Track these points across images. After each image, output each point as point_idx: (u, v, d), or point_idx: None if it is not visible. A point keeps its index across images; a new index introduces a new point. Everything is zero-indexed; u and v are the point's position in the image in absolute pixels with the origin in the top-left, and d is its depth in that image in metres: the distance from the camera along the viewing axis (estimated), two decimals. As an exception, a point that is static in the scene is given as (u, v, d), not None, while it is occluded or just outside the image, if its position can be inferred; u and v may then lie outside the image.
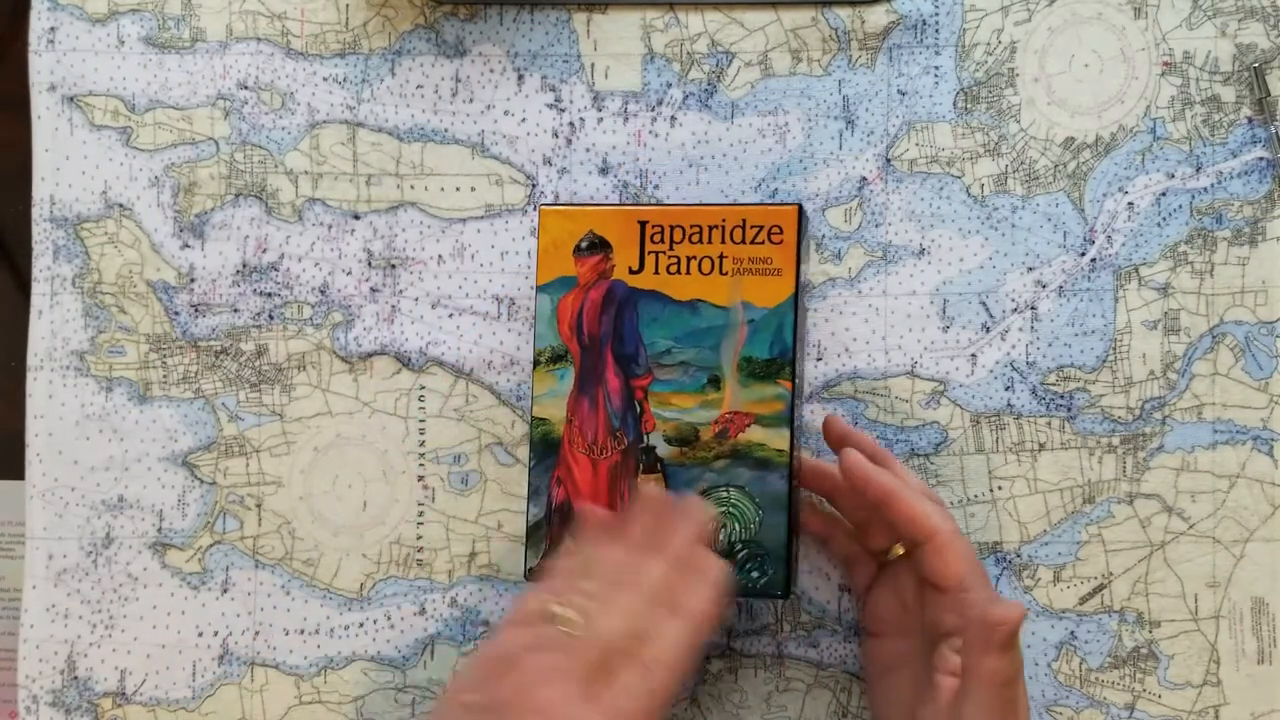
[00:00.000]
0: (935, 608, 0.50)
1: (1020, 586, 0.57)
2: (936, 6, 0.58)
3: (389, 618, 0.58)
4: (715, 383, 0.51)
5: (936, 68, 0.58)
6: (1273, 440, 0.57)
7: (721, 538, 0.50)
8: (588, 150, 0.58)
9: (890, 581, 0.53)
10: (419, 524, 0.58)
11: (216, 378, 0.58)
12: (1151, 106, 0.57)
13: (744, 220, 0.51)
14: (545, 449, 0.52)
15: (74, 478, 0.58)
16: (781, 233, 0.51)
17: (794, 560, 0.51)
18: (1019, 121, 0.58)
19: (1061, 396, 0.57)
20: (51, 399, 0.58)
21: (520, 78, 0.58)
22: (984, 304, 0.57)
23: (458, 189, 0.58)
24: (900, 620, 0.52)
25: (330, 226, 0.58)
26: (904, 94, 0.58)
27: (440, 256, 0.58)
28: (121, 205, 0.58)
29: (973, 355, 0.57)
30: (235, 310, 0.58)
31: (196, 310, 0.58)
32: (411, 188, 0.58)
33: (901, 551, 0.52)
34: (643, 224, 0.52)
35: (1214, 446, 0.57)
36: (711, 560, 0.48)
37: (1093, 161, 0.57)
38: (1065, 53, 0.58)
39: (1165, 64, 0.58)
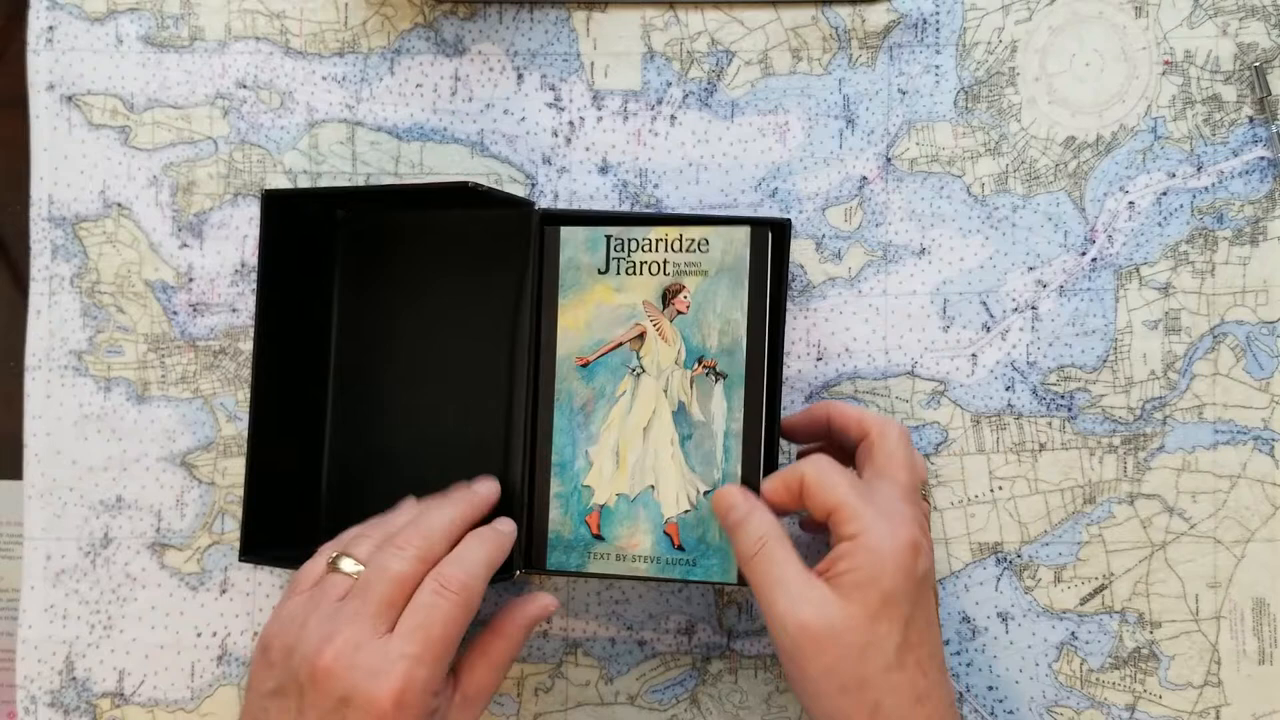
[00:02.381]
0: None
1: (1021, 587, 0.57)
2: (937, 5, 0.58)
3: (388, 618, 0.57)
4: None
5: (937, 67, 0.58)
6: (1273, 440, 0.57)
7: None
8: (587, 149, 0.58)
9: None
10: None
11: (215, 378, 0.58)
12: (1152, 106, 0.57)
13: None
14: None
15: (72, 478, 0.58)
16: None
17: None
18: (1020, 121, 0.57)
19: (1062, 396, 0.57)
20: (50, 399, 0.58)
21: (520, 77, 0.58)
22: (984, 304, 0.57)
23: (457, 188, 0.58)
24: None
25: (329, 226, 0.58)
26: (904, 93, 0.58)
27: (439, 256, 0.58)
28: (120, 204, 0.58)
29: (973, 355, 0.57)
30: (234, 310, 0.58)
31: (195, 310, 0.58)
32: (411, 187, 0.58)
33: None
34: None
35: (1215, 447, 0.57)
36: (495, 487, 0.52)
37: (1093, 161, 0.57)
38: (1066, 52, 0.58)
39: (1166, 63, 0.57)
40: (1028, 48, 0.58)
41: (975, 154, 0.57)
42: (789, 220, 0.52)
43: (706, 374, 0.51)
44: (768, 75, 0.58)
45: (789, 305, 0.57)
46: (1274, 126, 0.57)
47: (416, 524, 0.48)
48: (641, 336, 0.52)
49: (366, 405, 0.56)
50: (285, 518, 0.54)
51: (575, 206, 0.58)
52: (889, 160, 0.58)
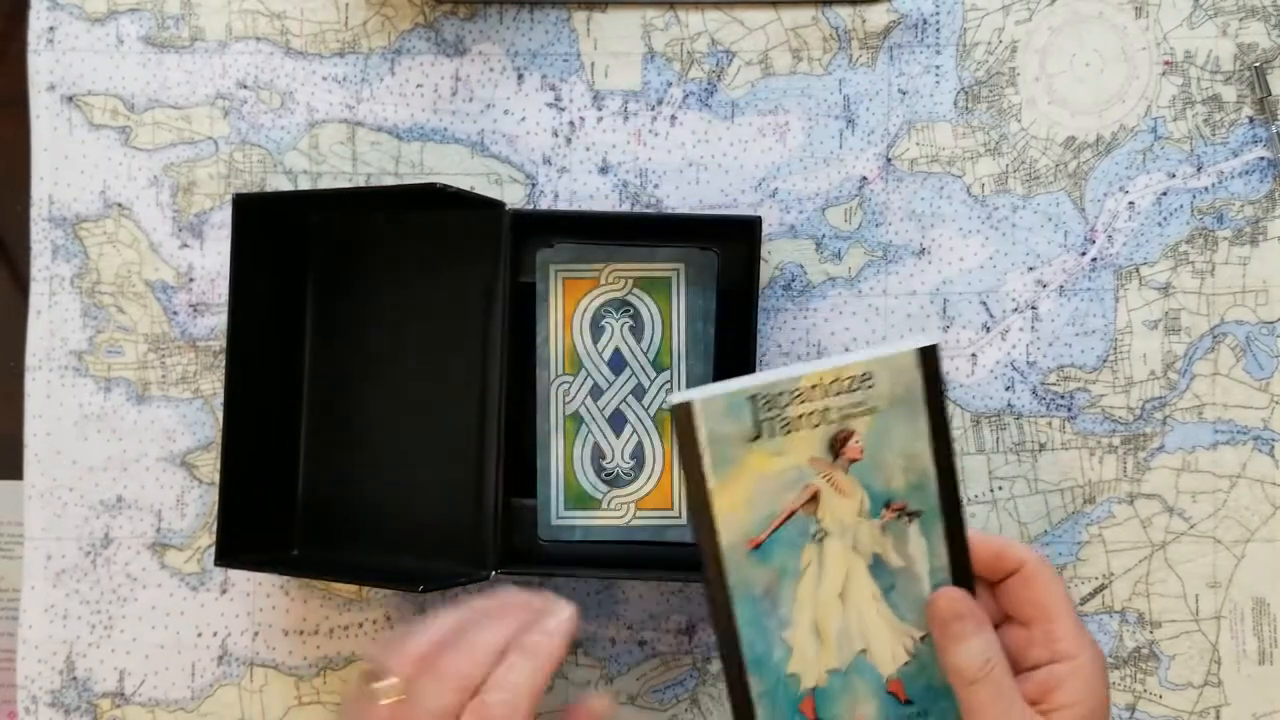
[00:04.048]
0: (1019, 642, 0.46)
1: (1021, 587, 0.57)
2: (937, 6, 0.58)
3: (389, 618, 0.58)
4: None
5: (937, 67, 0.58)
6: (1273, 440, 0.57)
7: None
8: (587, 149, 0.58)
9: None
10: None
11: (215, 378, 0.58)
12: (1152, 106, 0.57)
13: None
14: None
15: (72, 478, 0.58)
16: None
17: None
18: (1020, 121, 0.58)
19: (1062, 396, 0.57)
20: (50, 399, 0.58)
21: (520, 77, 0.58)
22: (984, 304, 0.57)
23: (457, 188, 0.58)
24: None
25: (329, 226, 0.58)
26: (904, 93, 0.58)
27: (440, 256, 0.58)
28: (120, 205, 0.58)
29: (973, 355, 0.57)
30: (234, 310, 0.58)
31: (195, 310, 0.58)
32: (411, 187, 0.58)
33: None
34: None
35: (1215, 446, 0.57)
36: (556, 605, 0.45)
37: (1093, 161, 0.57)
38: (1066, 52, 0.58)
39: (1166, 63, 0.57)
40: (1028, 48, 0.58)
41: (975, 154, 0.57)
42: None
43: (899, 517, 0.45)
44: (768, 75, 0.58)
45: (788, 305, 0.57)
46: (1274, 127, 0.57)
47: (459, 648, 0.43)
48: (815, 497, 0.45)
49: (342, 407, 0.56)
50: (262, 520, 0.54)
51: (576, 206, 0.58)
52: (889, 160, 0.58)
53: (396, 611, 0.57)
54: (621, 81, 0.58)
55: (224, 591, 0.58)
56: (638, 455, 0.56)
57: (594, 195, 0.58)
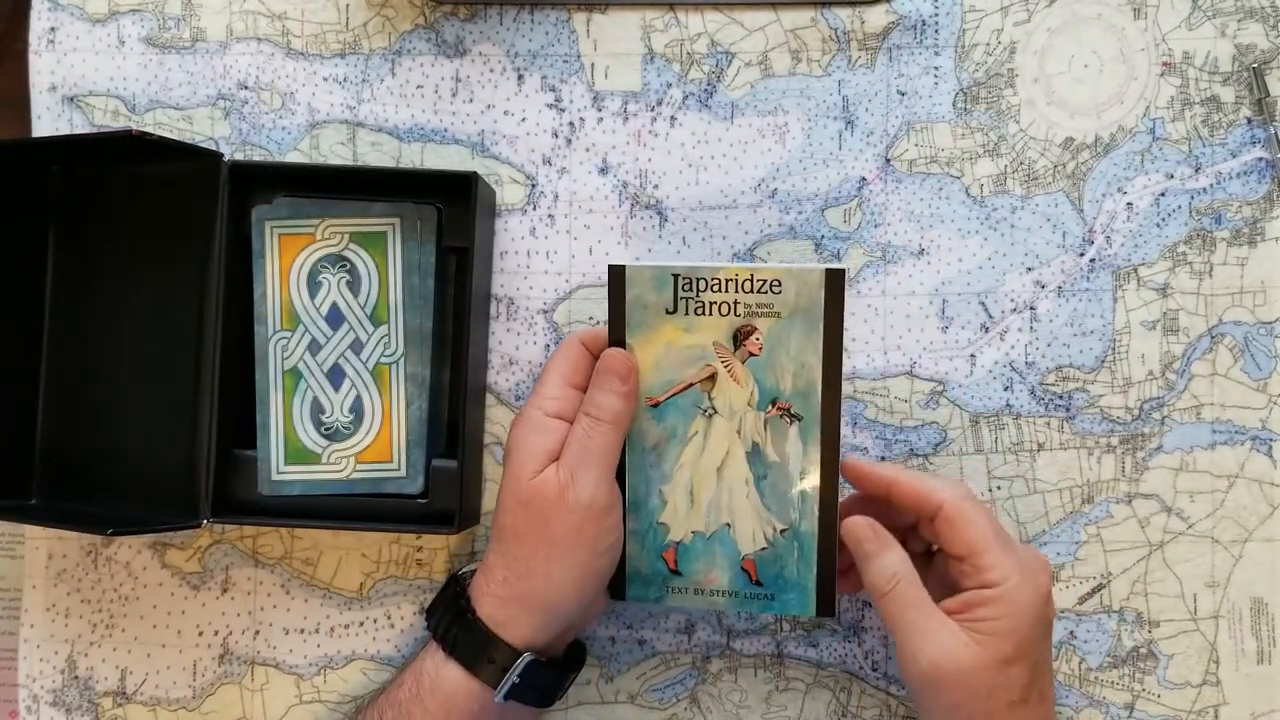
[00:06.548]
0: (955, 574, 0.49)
1: (1019, 586, 0.57)
2: (936, 7, 0.58)
3: (389, 617, 0.58)
4: None
5: (936, 68, 0.58)
6: (1271, 440, 0.57)
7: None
8: (587, 150, 0.58)
9: None
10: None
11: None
12: (1151, 107, 0.57)
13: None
14: None
15: (74, 477, 0.58)
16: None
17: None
18: (1018, 122, 0.58)
19: (1060, 397, 0.57)
20: (51, 398, 0.58)
21: (520, 78, 0.58)
22: (983, 304, 0.57)
23: (458, 189, 0.58)
24: None
25: (330, 226, 0.58)
26: (903, 94, 0.58)
27: (440, 256, 0.58)
28: (122, 205, 0.58)
29: (972, 355, 0.57)
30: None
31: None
32: (411, 188, 0.58)
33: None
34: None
35: (1213, 447, 0.57)
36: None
37: (1092, 162, 0.57)
38: (1065, 53, 0.58)
39: (1165, 64, 0.58)
40: (1026, 49, 0.58)
41: (974, 155, 0.58)
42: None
43: (781, 416, 0.51)
44: (767, 76, 0.58)
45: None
46: (1272, 127, 0.57)
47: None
48: (713, 378, 0.51)
49: (81, 357, 0.57)
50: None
51: (575, 207, 0.58)
52: (888, 161, 0.58)
53: (398, 611, 0.58)
54: (621, 82, 0.58)
55: (225, 590, 0.58)
56: (356, 409, 0.56)
57: (594, 195, 0.58)
